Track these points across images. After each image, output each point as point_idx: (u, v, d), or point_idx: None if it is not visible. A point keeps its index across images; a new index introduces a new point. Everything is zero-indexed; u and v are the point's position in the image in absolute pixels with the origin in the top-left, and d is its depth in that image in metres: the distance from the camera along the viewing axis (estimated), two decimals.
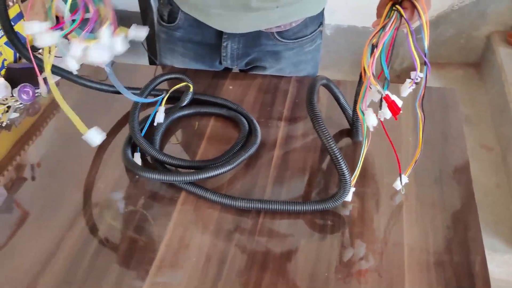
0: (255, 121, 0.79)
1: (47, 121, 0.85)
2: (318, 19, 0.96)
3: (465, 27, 2.16)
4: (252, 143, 0.74)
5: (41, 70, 0.65)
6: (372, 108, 0.63)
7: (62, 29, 0.56)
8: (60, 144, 0.81)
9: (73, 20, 0.56)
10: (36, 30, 0.55)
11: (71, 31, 0.56)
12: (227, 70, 1.02)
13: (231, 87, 0.91)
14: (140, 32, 0.57)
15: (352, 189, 0.65)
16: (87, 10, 0.56)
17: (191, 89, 0.80)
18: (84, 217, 0.66)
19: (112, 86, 0.74)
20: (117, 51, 0.56)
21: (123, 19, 0.58)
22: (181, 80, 0.83)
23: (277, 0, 0.84)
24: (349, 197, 0.65)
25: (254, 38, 0.94)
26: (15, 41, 0.65)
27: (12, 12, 0.92)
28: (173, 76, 0.80)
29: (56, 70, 0.70)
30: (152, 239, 0.63)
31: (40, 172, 0.76)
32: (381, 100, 0.61)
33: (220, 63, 0.99)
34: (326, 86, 0.76)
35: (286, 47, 0.95)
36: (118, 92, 0.74)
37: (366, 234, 0.64)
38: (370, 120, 0.62)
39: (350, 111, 0.79)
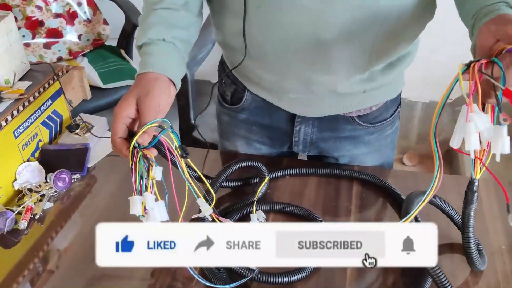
0: None
1: (79, 207, 0.77)
2: (397, 101, 0.88)
3: None
4: None
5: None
6: (476, 121, 0.44)
7: None
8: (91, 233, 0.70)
9: None
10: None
11: None
12: (293, 154, 0.92)
13: (287, 176, 0.82)
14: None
15: None
16: None
17: (266, 180, 0.72)
18: None
19: None
20: None
21: None
22: (254, 168, 0.75)
23: (365, 84, 0.76)
24: None
25: (331, 122, 0.84)
26: None
27: (52, 89, 0.85)
28: (247, 163, 0.73)
29: None
30: None
31: (66, 260, 0.69)
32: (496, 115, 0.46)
33: (290, 148, 0.89)
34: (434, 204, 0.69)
35: (366, 131, 0.86)
36: None
37: None
38: (471, 141, 0.44)
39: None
